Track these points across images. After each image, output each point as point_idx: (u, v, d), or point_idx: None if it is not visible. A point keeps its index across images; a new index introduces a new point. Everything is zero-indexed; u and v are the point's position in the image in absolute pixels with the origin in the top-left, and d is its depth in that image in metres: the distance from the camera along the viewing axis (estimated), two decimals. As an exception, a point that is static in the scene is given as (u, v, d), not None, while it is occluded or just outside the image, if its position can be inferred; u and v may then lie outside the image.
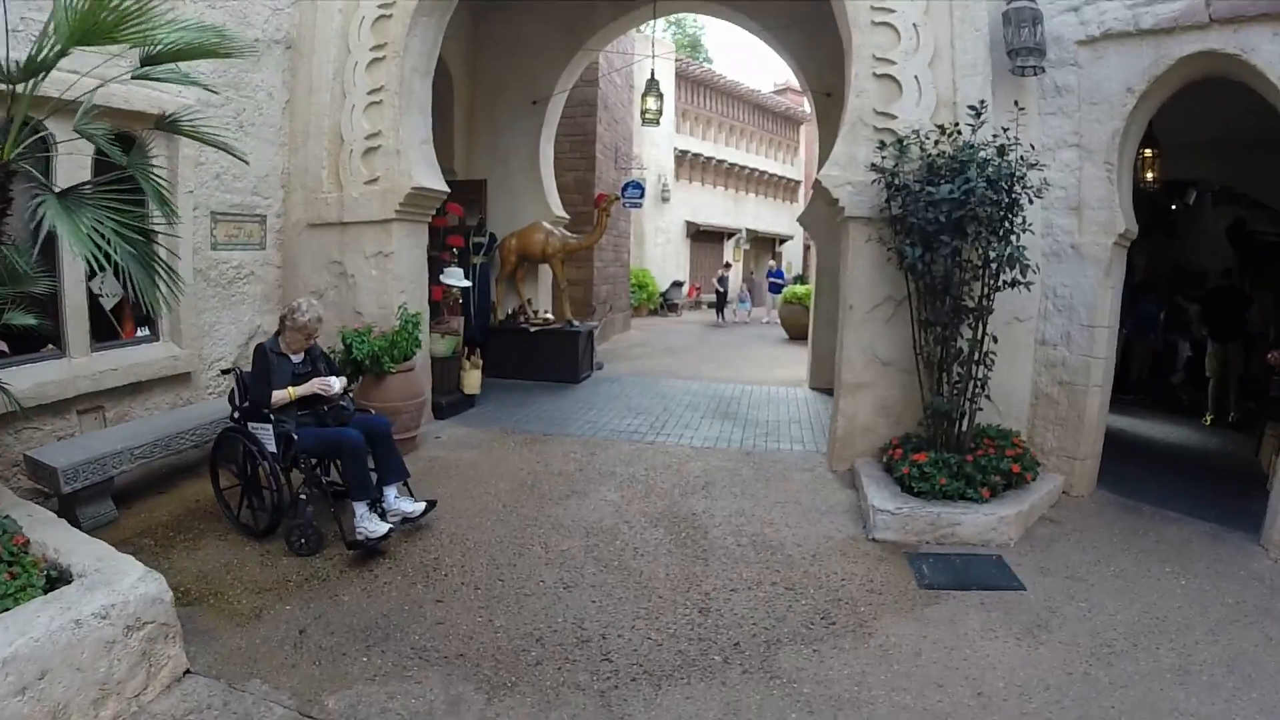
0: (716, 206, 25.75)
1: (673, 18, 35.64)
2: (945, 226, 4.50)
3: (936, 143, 4.88)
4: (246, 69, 6.33)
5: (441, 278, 7.92)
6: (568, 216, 10.29)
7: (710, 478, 5.60)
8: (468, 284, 8.24)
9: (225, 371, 5.64)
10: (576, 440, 6.59)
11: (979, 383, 4.95)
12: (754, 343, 14.61)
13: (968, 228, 4.48)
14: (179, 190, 5.59)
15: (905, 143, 5.00)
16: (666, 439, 6.65)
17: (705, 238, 25.52)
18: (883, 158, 5.06)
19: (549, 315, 9.74)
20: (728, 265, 20.75)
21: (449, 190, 6.97)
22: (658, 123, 10.11)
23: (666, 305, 21.39)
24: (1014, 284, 4.67)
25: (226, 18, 6.03)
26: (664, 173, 22.35)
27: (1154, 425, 7.94)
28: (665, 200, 22.42)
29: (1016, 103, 4.95)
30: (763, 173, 28.17)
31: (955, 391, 4.93)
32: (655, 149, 21.55)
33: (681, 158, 23.44)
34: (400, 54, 6.51)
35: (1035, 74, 5.12)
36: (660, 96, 9.69)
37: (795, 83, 30.92)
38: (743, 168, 26.89)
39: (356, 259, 6.74)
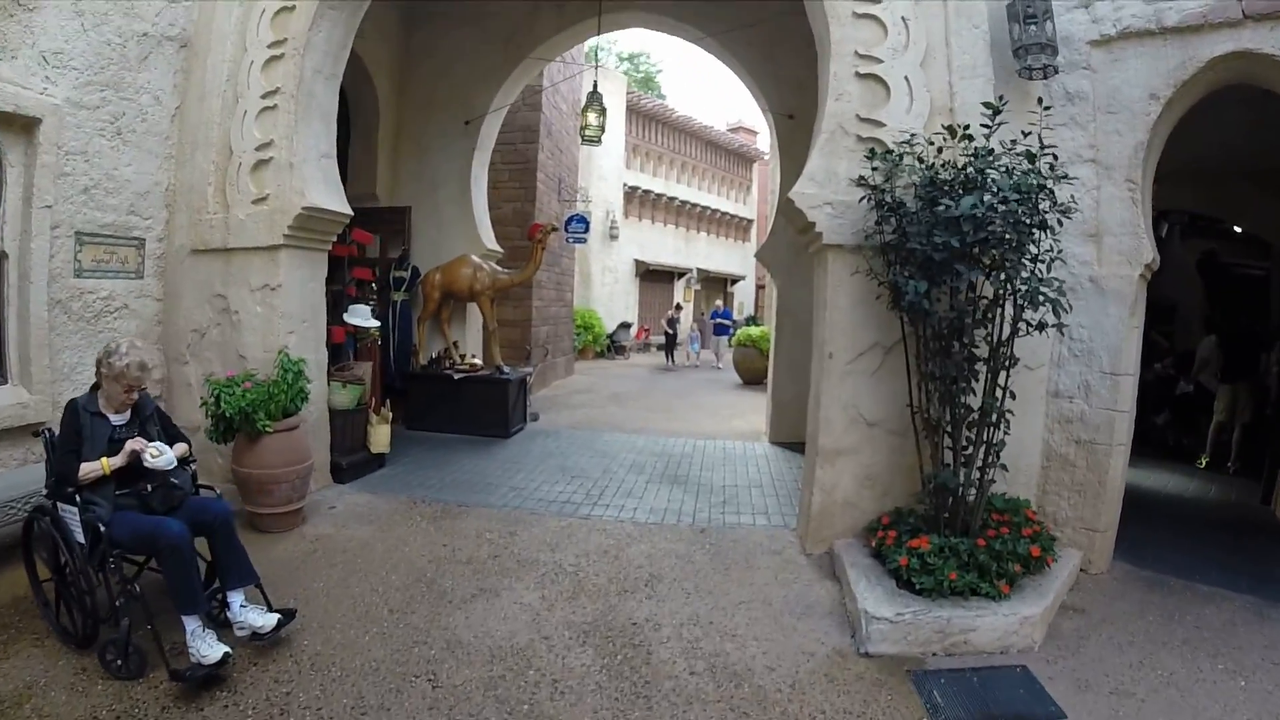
0: (667, 245, 25.01)
1: (625, 54, 35.39)
2: (958, 253, 3.55)
3: (940, 150, 3.97)
4: (129, 67, 5.40)
5: (345, 317, 6.76)
6: (501, 251, 9.23)
7: (656, 567, 4.50)
8: (376, 324, 7.10)
9: (36, 433, 4.38)
10: (496, 513, 5.44)
11: (994, 449, 3.99)
12: (706, 389, 13.63)
13: (988, 254, 3.54)
14: (34, 204, 4.73)
15: (898, 153, 4.08)
16: (605, 512, 5.54)
17: (655, 277, 24.71)
18: (873, 169, 4.13)
19: (477, 360, 8.61)
20: (679, 306, 19.88)
21: (351, 214, 5.88)
22: (599, 141, 9.16)
23: (614, 348, 20.40)
24: (1041, 326, 3.74)
25: (110, 7, 5.18)
26: (612, 209, 21.54)
27: (1145, 472, 7.18)
28: (614, 238, 21.58)
29: (1040, 100, 4.05)
30: (715, 211, 27.62)
31: (964, 460, 3.96)
32: (604, 184, 20.76)
33: (631, 194, 22.69)
34: (300, 51, 5.52)
35: (1046, 76, 4.28)
36: (603, 112, 8.75)
37: (748, 122, 31.03)
38: (694, 205, 26.28)
39: (241, 292, 5.65)
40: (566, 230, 13.11)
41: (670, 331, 18.15)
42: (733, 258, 29.43)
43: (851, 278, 4.36)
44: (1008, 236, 3.51)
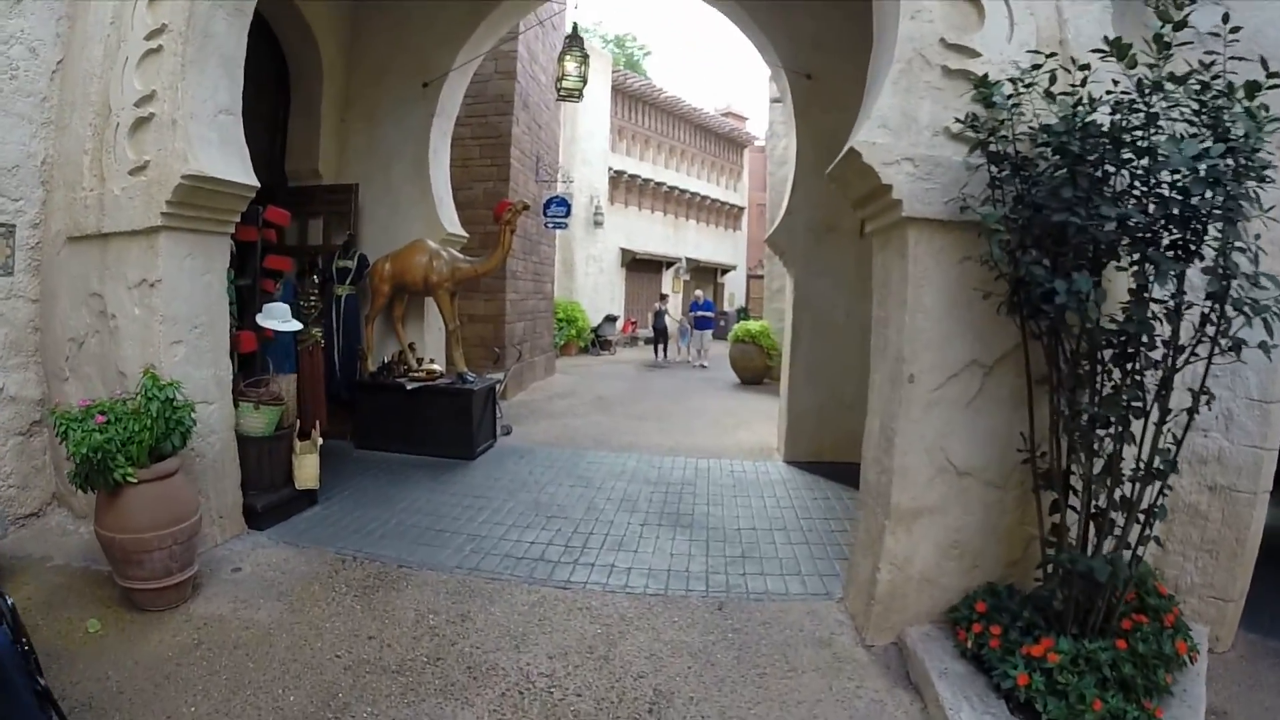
0: (654, 233, 23.69)
1: (611, 36, 33.87)
2: (1156, 226, 2.28)
3: (1083, 82, 2.69)
4: (-5, 12, 4.15)
5: (258, 319, 5.41)
6: (466, 236, 7.89)
7: (663, 675, 3.21)
8: (295, 326, 5.73)
9: None
10: (447, 580, 4.13)
11: (1151, 515, 2.76)
12: (702, 390, 12.29)
13: (1192, 233, 2.28)
14: None
15: (1013, 91, 2.81)
16: (589, 575, 4.23)
17: (642, 267, 23.39)
18: (975, 115, 2.85)
19: (436, 366, 7.27)
20: (664, 297, 18.48)
21: (256, 184, 4.55)
22: (579, 96, 7.83)
23: (599, 343, 19.06)
24: (1238, 346, 2.48)
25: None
26: (597, 194, 20.19)
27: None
28: (598, 225, 20.23)
29: (1226, 17, 2.76)
30: (704, 198, 26.29)
31: (1117, 531, 2.72)
32: (588, 168, 19.42)
33: (617, 179, 21.34)
34: (191, -24, 4.21)
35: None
36: (584, 60, 7.44)
37: (737, 108, 29.67)
38: (683, 192, 24.95)
39: (118, 290, 4.38)
40: (546, 214, 11.75)
41: (659, 324, 16.79)
42: (723, 247, 28.14)
43: (949, 266, 3.08)
44: (1227, 207, 2.23)
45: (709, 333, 15.82)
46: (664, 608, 3.82)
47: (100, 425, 3.62)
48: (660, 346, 16.68)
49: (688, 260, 25.43)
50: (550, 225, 11.94)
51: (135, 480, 3.69)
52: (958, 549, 3.28)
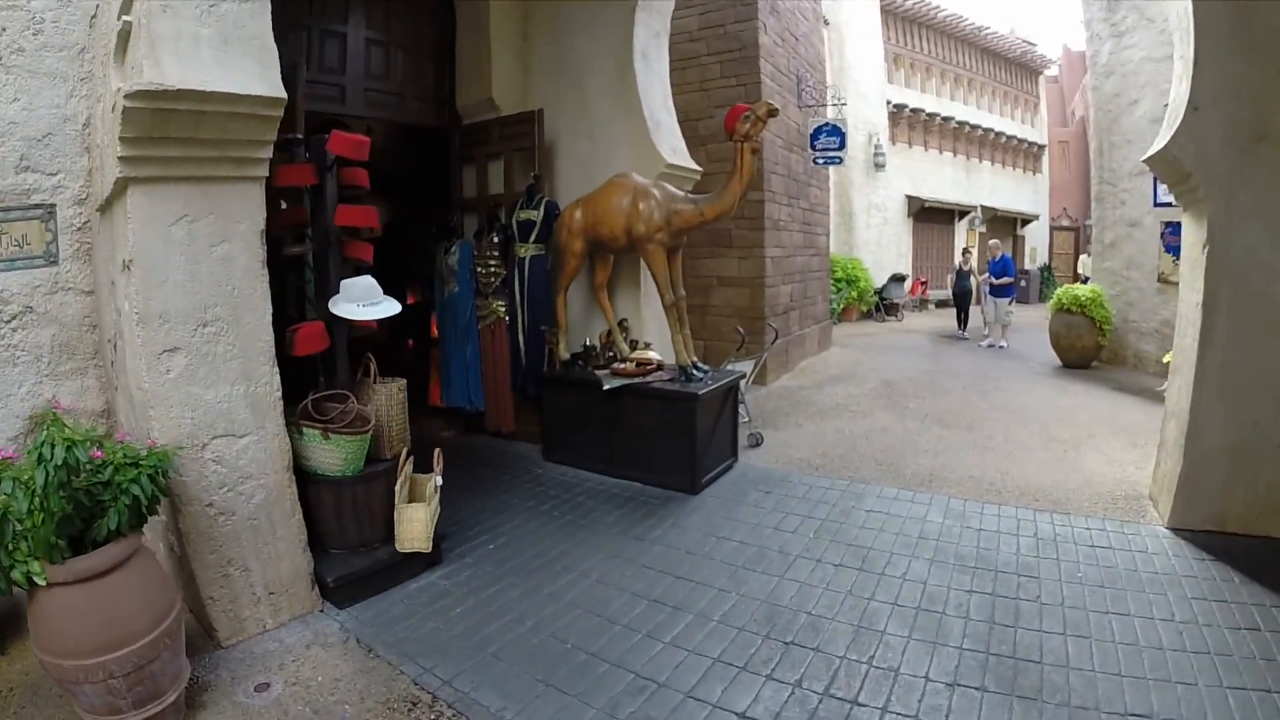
0: (944, 177, 19.83)
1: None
2: None
3: None
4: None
5: (331, 305, 3.63)
6: (695, 169, 5.72)
7: None
8: (384, 310, 3.78)
9: None
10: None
11: None
12: (1014, 375, 8.94)
13: None
14: None
15: None
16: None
17: (931, 217, 19.69)
18: None
19: (651, 353, 5.21)
20: (967, 252, 14.25)
21: (277, 95, 2.80)
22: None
23: (884, 307, 15.93)
24: None
25: None
26: (876, 132, 17.02)
27: None
28: (879, 168, 17.04)
29: None
30: (999, 134, 21.66)
31: None
32: (862, 101, 16.38)
33: (897, 114, 17.95)
34: None
35: None
36: None
37: (1021, 34, 23.86)
38: (974, 128, 20.67)
39: (116, 277, 3.01)
40: (814, 146, 9.17)
41: (961, 286, 12.97)
42: (1022, 192, 23.14)
43: None
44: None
45: (1009, 301, 11.46)
46: None
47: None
48: (962, 314, 13.05)
49: (983, 208, 21.16)
50: (820, 161, 9.33)
51: (44, 583, 2.08)
52: None
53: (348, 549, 3.46)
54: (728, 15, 7.86)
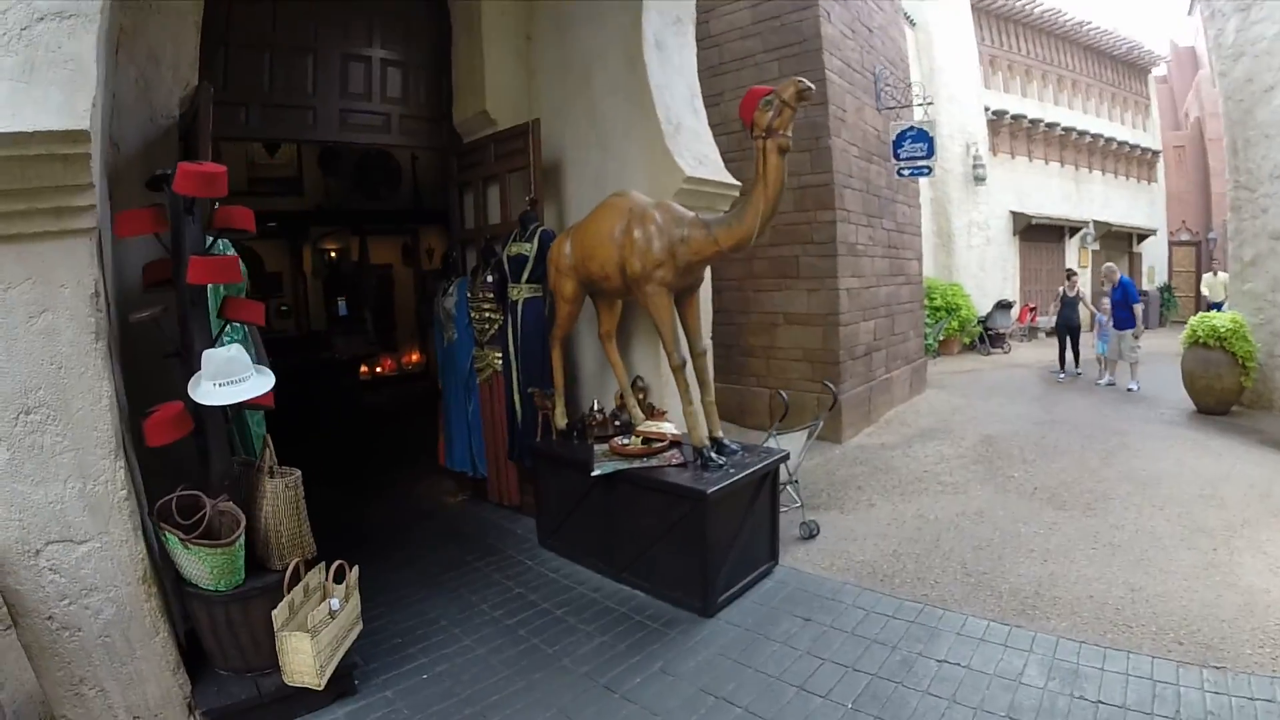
0: (1051, 189, 17.83)
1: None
2: None
3: None
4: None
5: (191, 386, 2.66)
6: (730, 182, 4.53)
7: None
8: (259, 388, 2.76)
9: None
10: None
11: None
12: (1140, 426, 7.13)
13: None
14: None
15: None
16: None
17: (1039, 235, 17.68)
18: None
19: (665, 426, 4.00)
20: (1072, 275, 11.99)
21: (82, 128, 2.21)
22: None
23: (988, 337, 14.10)
24: None
25: None
26: (974, 142, 15.33)
27: None
28: (979, 181, 15.29)
29: None
30: (1109, 140, 19.40)
31: None
32: (956, 107, 14.84)
33: (997, 121, 16.21)
34: None
35: None
36: None
37: (1122, 31, 21.43)
38: (1082, 133, 18.54)
39: None
40: (896, 156, 7.80)
41: (1066, 318, 10.81)
42: (1137, 205, 20.62)
43: None
44: None
45: (1131, 332, 9.26)
46: None
47: None
48: (1069, 350, 10.75)
49: (1095, 224, 18.98)
50: (906, 172, 7.93)
51: None
52: None
53: (234, 672, 2.76)
54: (784, 5, 6.68)
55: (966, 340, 14.06)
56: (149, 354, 2.91)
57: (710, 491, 3.28)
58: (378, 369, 10.45)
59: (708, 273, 4.10)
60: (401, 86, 5.07)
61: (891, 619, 3.33)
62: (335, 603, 2.87)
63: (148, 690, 2.57)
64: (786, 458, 3.92)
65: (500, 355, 4.76)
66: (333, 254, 10.81)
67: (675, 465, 3.64)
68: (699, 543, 3.36)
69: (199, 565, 2.61)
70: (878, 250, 7.66)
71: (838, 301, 6.76)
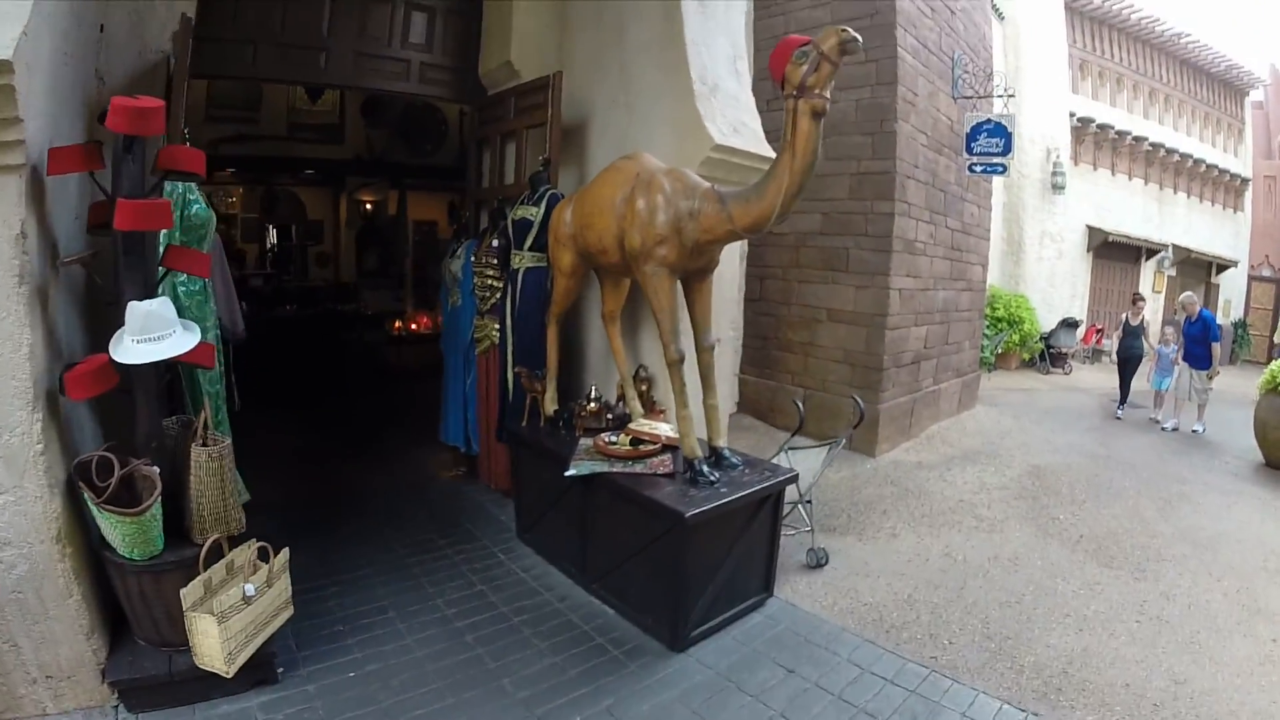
0: (1133, 207, 16.74)
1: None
2: None
3: None
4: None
5: (111, 349, 2.39)
6: (763, 154, 3.98)
7: None
8: (180, 347, 2.45)
9: None
10: None
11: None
12: (1203, 477, 6.33)
13: None
14: None
15: None
16: None
17: (1114, 253, 16.61)
18: None
19: (661, 427, 3.53)
20: (1138, 300, 10.77)
21: (5, 58, 1.99)
22: None
23: (1049, 355, 13.20)
24: None
25: None
26: (1056, 148, 14.39)
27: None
28: (1058, 189, 14.33)
29: None
30: (1198, 161, 18.12)
31: None
32: (1040, 110, 13.94)
33: (1082, 129, 15.20)
34: None
35: None
36: None
37: (1216, 48, 19.80)
38: (1170, 151, 17.31)
39: None
40: (970, 150, 7.11)
41: (1129, 348, 9.76)
42: (1221, 233, 19.17)
43: None
44: None
45: (1209, 374, 8.33)
46: None
47: None
48: (1128, 384, 9.60)
49: (1174, 248, 17.78)
50: (978, 168, 7.23)
51: None
52: None
53: (150, 644, 2.57)
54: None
55: (1026, 356, 13.22)
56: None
57: (690, 514, 2.80)
58: (412, 325, 10.18)
59: (732, 255, 3.64)
60: (426, 32, 4.74)
61: (889, 684, 2.83)
62: (250, 588, 2.58)
63: (60, 652, 2.47)
64: (795, 479, 3.43)
65: (499, 327, 4.37)
66: (368, 206, 10.54)
67: (663, 474, 3.18)
68: (673, 569, 2.92)
69: (111, 530, 2.40)
70: (938, 250, 7.02)
71: (887, 301, 6.19)
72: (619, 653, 2.96)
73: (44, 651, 2.45)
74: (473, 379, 4.88)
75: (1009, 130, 7.05)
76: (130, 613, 2.58)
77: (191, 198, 3.03)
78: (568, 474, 3.24)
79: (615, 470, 3.21)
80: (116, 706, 2.51)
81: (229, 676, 2.49)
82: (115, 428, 2.72)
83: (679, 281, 3.26)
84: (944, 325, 7.36)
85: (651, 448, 3.36)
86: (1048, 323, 13.73)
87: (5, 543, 2.33)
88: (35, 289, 2.31)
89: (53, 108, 2.42)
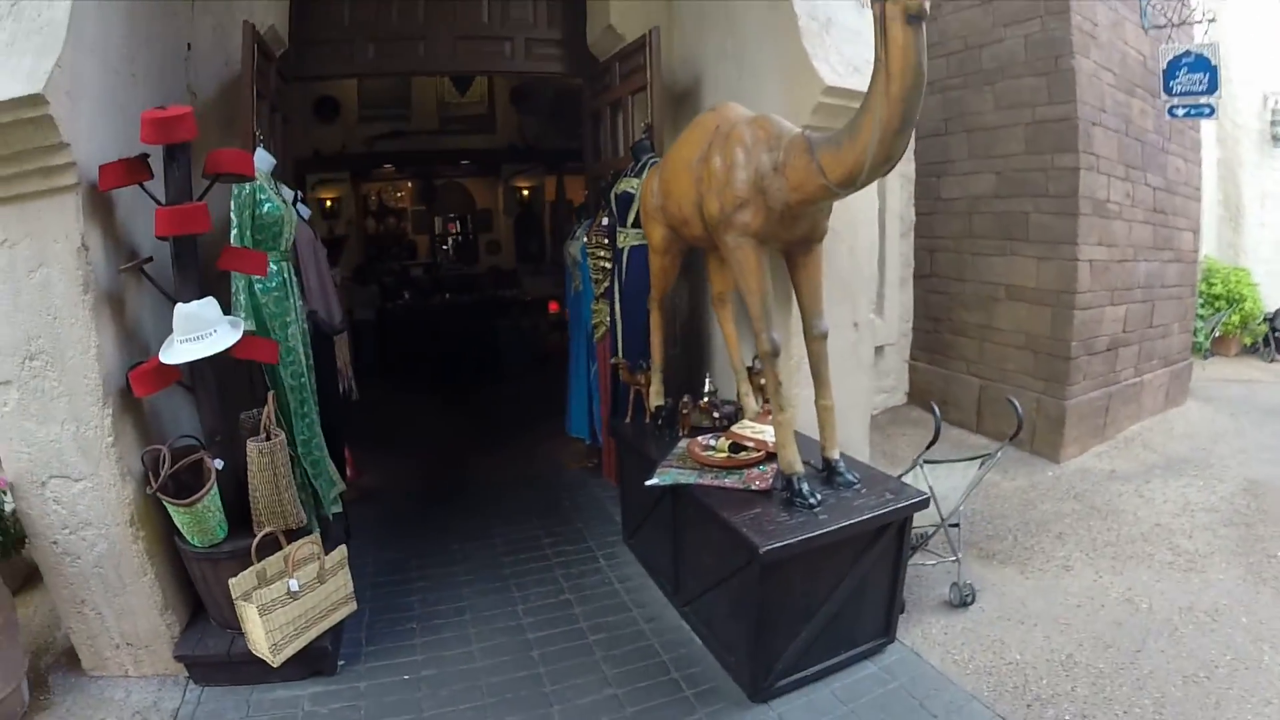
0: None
1: None
2: None
3: None
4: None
5: (162, 355, 2.56)
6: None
7: None
8: (219, 345, 2.55)
9: None
10: None
11: None
12: None
13: None
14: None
15: None
16: None
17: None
18: None
19: (765, 430, 3.01)
20: None
21: (35, 91, 2.23)
22: None
23: (1275, 340, 11.02)
24: None
25: None
26: (1276, 93, 11.95)
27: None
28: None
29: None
30: None
31: None
32: (1252, 50, 11.55)
33: (1320, 73, 12.51)
34: None
35: None
36: None
37: None
38: None
39: None
40: (1168, 90, 5.84)
41: None
42: None
43: None
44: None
45: None
46: None
47: None
48: None
49: None
50: (1180, 111, 5.89)
51: None
52: None
53: (219, 625, 2.78)
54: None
55: (1248, 341, 11.02)
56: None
57: (766, 549, 2.29)
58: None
59: (867, 217, 3.03)
60: (530, 7, 4.52)
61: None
62: (294, 584, 2.64)
63: (138, 623, 2.75)
64: (926, 503, 2.79)
65: (610, 312, 4.07)
66: (524, 192, 10.67)
67: (758, 490, 2.69)
68: (751, 609, 2.44)
69: (175, 518, 2.60)
70: (1137, 213, 5.79)
71: (1075, 276, 5.17)
72: (691, 693, 2.55)
73: (124, 622, 2.75)
74: (596, 367, 4.64)
75: (1213, 63, 5.69)
76: (203, 595, 2.78)
77: (262, 197, 3.01)
78: (648, 483, 2.85)
79: (701, 481, 2.77)
80: (187, 678, 2.74)
81: (275, 666, 2.59)
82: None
83: (780, 255, 2.75)
84: (1147, 304, 6.08)
85: (753, 456, 2.89)
86: (1273, 301, 11.39)
87: (86, 523, 2.60)
88: (101, 295, 2.50)
89: (121, 126, 2.60)
